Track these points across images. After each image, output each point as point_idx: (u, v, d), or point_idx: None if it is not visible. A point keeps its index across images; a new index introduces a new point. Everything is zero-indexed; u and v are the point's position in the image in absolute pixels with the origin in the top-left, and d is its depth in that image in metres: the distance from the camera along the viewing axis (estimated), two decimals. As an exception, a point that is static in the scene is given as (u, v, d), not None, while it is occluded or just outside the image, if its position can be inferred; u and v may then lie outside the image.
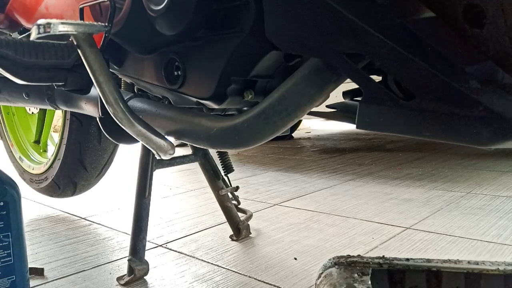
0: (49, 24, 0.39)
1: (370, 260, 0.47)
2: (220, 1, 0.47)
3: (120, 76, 0.67)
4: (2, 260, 0.67)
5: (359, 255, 0.51)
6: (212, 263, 0.84)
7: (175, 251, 0.92)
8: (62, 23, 0.40)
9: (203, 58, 0.52)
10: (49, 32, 0.39)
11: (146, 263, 0.78)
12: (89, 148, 1.07)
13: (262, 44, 0.46)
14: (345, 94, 0.62)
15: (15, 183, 0.69)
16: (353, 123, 0.56)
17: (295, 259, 0.84)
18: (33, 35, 0.40)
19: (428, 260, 0.53)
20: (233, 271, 0.80)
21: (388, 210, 1.18)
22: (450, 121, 0.35)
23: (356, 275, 0.44)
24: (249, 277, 0.77)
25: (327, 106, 0.62)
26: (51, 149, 1.37)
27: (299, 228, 1.04)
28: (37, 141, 1.37)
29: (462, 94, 0.33)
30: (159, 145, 0.54)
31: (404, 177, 1.62)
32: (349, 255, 0.50)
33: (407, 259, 0.50)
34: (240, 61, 0.49)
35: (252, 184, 1.61)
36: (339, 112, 0.60)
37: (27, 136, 1.39)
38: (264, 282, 0.75)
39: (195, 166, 1.99)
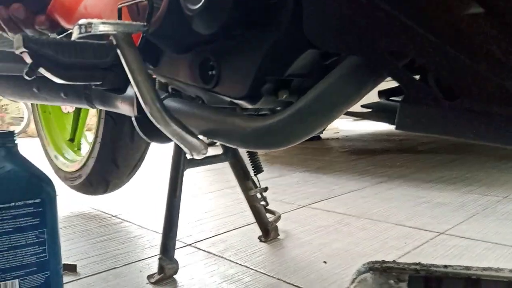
0: (90, 24, 0.39)
1: (406, 266, 0.46)
2: (257, -1, 0.46)
3: (154, 76, 0.67)
4: (37, 256, 0.68)
5: (395, 260, 0.49)
6: (240, 264, 0.84)
7: (204, 250, 0.93)
8: (103, 23, 0.40)
9: (238, 57, 0.52)
10: (90, 31, 0.40)
11: (176, 262, 0.79)
12: (122, 147, 1.09)
13: (299, 43, 0.45)
14: (381, 93, 0.60)
15: (51, 180, 0.71)
16: (391, 123, 0.55)
17: (325, 262, 0.83)
18: (75, 35, 0.41)
19: (467, 268, 0.51)
20: (262, 273, 0.80)
21: (420, 214, 1.15)
22: (499, 123, 0.33)
23: (392, 281, 0.43)
24: (278, 279, 0.77)
25: (362, 106, 0.61)
26: (85, 148, 1.41)
27: (328, 231, 1.02)
28: (72, 140, 1.41)
29: (514, 94, 0.31)
30: (193, 144, 0.54)
31: (437, 180, 1.57)
32: (384, 260, 0.48)
33: (445, 266, 0.49)
34: (275, 60, 0.48)
35: (279, 184, 1.60)
36: (375, 112, 0.58)
37: (62, 134, 1.43)
38: (294, 285, 0.74)
39: (223, 166, 1.99)
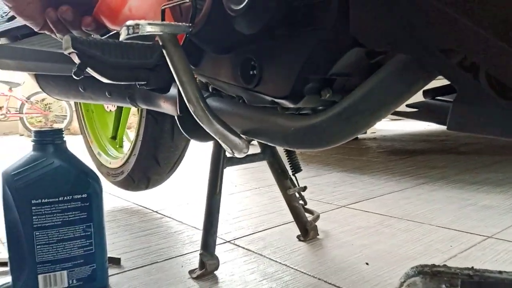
0: (137, 25, 0.40)
1: (458, 270, 0.44)
2: (302, -3, 0.46)
3: (196, 76, 0.68)
4: (84, 249, 0.71)
5: (445, 265, 0.47)
6: (280, 263, 0.84)
7: (243, 248, 0.93)
8: (150, 24, 0.41)
9: (280, 57, 0.51)
10: (137, 32, 0.41)
11: (217, 259, 0.79)
12: (162, 144, 1.11)
13: (344, 41, 0.44)
14: (426, 93, 0.58)
15: (97, 176, 0.74)
16: (440, 123, 0.53)
17: (367, 264, 0.81)
18: (123, 36, 0.42)
19: (523, 275, 0.48)
20: (302, 272, 0.79)
21: (466, 217, 1.10)
22: None
23: (443, 286, 0.41)
24: (319, 279, 0.76)
25: (408, 106, 0.59)
26: (126, 145, 1.45)
27: (369, 232, 1.00)
28: (114, 137, 1.46)
29: None
30: (235, 143, 0.54)
31: (483, 182, 1.51)
32: (434, 264, 0.47)
33: (500, 272, 0.46)
34: (319, 59, 0.48)
35: (317, 184, 1.59)
36: (422, 112, 0.56)
37: (105, 132, 1.48)
38: (335, 286, 0.73)
39: (258, 164, 1.99)
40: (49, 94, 0.94)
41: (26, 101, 5.07)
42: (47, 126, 5.27)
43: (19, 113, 5.10)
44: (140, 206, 1.33)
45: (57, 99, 0.99)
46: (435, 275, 0.43)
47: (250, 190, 1.52)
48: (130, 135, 1.50)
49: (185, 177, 1.80)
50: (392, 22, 0.37)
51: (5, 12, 0.89)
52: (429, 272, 0.44)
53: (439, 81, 0.46)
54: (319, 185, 1.57)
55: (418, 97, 0.59)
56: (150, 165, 1.16)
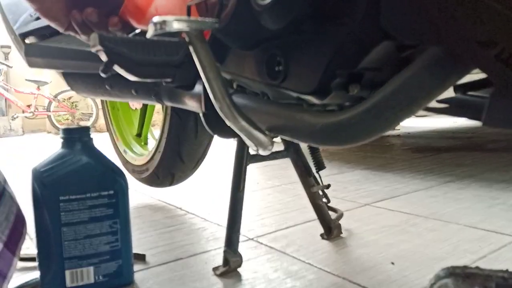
0: (164, 21, 0.40)
1: (492, 273, 0.42)
2: (330, -10, 0.45)
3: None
4: (110, 245, 0.72)
5: (478, 266, 0.46)
6: (303, 261, 0.83)
7: (266, 245, 0.93)
8: (177, 20, 0.41)
9: (307, 52, 0.50)
10: (164, 29, 0.41)
11: (240, 256, 0.79)
12: (186, 141, 1.12)
13: (374, 34, 0.43)
14: (457, 88, 0.56)
15: (123, 173, 0.74)
16: (474, 118, 0.51)
17: (392, 263, 0.80)
18: (150, 33, 0.42)
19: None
20: (326, 271, 0.78)
21: (495, 216, 1.07)
22: None
23: (477, 288, 0.40)
24: (343, 278, 0.75)
25: (438, 101, 0.57)
26: (151, 142, 1.47)
27: (394, 231, 0.98)
28: (139, 135, 1.48)
29: None
30: (260, 140, 0.54)
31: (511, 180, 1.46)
32: (466, 265, 0.45)
33: (536, 275, 0.44)
34: (347, 53, 0.47)
35: (339, 182, 1.57)
36: (453, 108, 0.54)
37: (130, 130, 1.50)
38: (360, 286, 0.72)
39: (280, 162, 1.99)
40: (76, 92, 0.96)
41: (54, 100, 5.20)
42: (74, 124, 5.40)
43: (46, 111, 5.23)
44: (164, 202, 1.35)
45: (85, 96, 1.01)
46: (467, 277, 0.42)
47: (272, 188, 1.52)
48: (154, 132, 1.52)
49: (208, 173, 1.81)
50: (427, 13, 0.36)
51: (34, 11, 0.91)
52: (461, 274, 0.42)
53: (471, 76, 0.44)
54: (342, 182, 1.55)
55: (449, 92, 0.57)
56: (174, 162, 1.17)
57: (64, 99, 5.33)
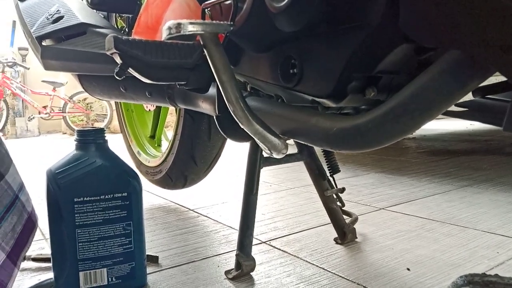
0: (179, 24, 0.40)
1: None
2: (346, -7, 0.44)
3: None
4: (124, 247, 0.72)
5: (497, 274, 0.44)
6: (317, 266, 0.82)
7: (279, 249, 0.92)
8: (191, 23, 0.41)
9: (323, 55, 0.50)
10: (179, 32, 0.41)
11: (253, 260, 0.79)
12: (199, 144, 1.11)
13: (392, 37, 0.42)
14: (476, 91, 0.55)
15: (137, 175, 0.74)
16: (492, 123, 0.49)
17: (408, 269, 0.78)
18: (164, 36, 0.42)
19: None
20: (340, 276, 0.77)
21: (514, 222, 1.04)
22: None
23: (497, 298, 0.38)
24: (358, 284, 0.74)
25: (457, 105, 0.56)
26: (164, 144, 1.47)
27: (410, 236, 0.97)
28: (152, 136, 1.48)
29: None
30: (274, 144, 0.53)
31: (532, 185, 1.43)
32: (484, 273, 0.44)
33: (560, 285, 0.43)
34: (364, 56, 0.46)
35: (354, 185, 1.55)
36: (473, 112, 0.53)
37: (144, 131, 1.51)
38: (375, 291, 0.70)
39: (293, 164, 1.98)
40: (91, 94, 0.97)
41: (69, 101, 5.27)
42: (89, 125, 5.46)
43: (62, 112, 5.31)
44: (177, 204, 1.35)
45: (99, 99, 1.02)
46: (486, 285, 0.40)
47: (285, 190, 1.51)
48: (167, 134, 1.52)
49: (221, 175, 1.81)
50: (447, 17, 0.35)
51: (50, 14, 0.92)
52: (479, 282, 0.41)
53: (490, 79, 0.43)
54: (357, 186, 1.53)
55: (467, 95, 0.56)
56: (188, 164, 1.17)
57: (79, 100, 5.39)
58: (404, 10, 0.38)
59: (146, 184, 1.44)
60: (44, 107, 5.24)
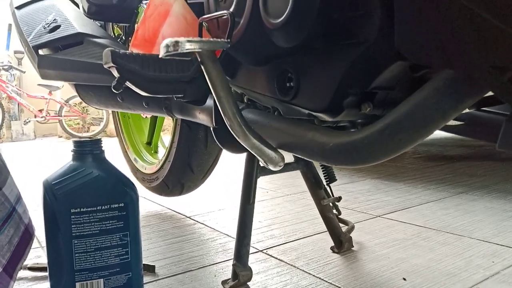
0: (177, 42, 0.40)
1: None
2: (342, 11, 0.45)
3: (231, 87, 0.68)
4: (120, 257, 0.72)
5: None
6: (314, 275, 0.82)
7: (276, 258, 0.92)
8: (189, 41, 0.41)
9: (319, 70, 0.50)
10: (177, 50, 0.41)
11: (250, 269, 0.79)
12: (196, 152, 1.12)
13: (387, 54, 0.43)
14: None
15: (134, 185, 0.75)
16: (488, 140, 0.50)
17: (404, 279, 0.79)
18: (162, 54, 0.42)
19: None
20: (337, 286, 0.77)
21: (508, 230, 1.05)
22: None
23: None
24: (354, 294, 0.74)
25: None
26: (161, 151, 1.47)
27: (406, 244, 0.97)
28: (149, 143, 1.48)
29: None
30: (270, 157, 0.54)
31: (527, 192, 1.44)
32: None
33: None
34: (360, 73, 0.46)
35: (350, 191, 1.56)
36: (468, 126, 0.54)
37: (140, 138, 1.51)
38: (371, 302, 0.71)
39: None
40: (88, 104, 0.97)
41: (65, 104, 5.26)
42: (85, 128, 5.44)
43: (58, 116, 5.29)
44: (174, 211, 1.35)
45: (96, 108, 1.02)
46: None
47: (282, 197, 1.51)
48: (164, 139, 1.52)
49: (218, 181, 1.81)
50: (442, 37, 0.36)
51: (47, 23, 0.92)
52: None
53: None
54: (353, 192, 1.54)
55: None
56: (184, 171, 1.17)
57: (75, 104, 5.38)
58: (398, 29, 0.39)
59: (143, 191, 1.43)
60: (40, 110, 5.22)
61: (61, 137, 5.48)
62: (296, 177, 1.85)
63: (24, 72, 5.17)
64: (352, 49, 0.45)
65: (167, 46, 0.41)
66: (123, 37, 1.05)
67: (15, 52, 5.35)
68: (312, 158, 0.51)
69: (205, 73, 0.47)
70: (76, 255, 0.69)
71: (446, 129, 0.55)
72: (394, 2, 0.38)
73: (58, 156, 3.06)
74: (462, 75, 0.37)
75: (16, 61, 5.43)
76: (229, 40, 0.48)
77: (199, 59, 0.46)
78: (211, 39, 0.45)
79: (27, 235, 0.69)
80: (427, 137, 0.41)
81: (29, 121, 5.32)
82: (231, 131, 0.51)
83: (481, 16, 0.32)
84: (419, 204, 1.33)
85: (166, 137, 1.36)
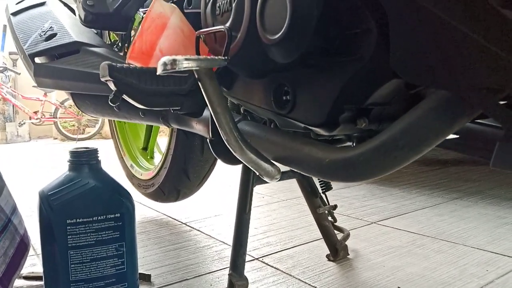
0: (174, 60, 0.41)
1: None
2: (339, 28, 0.45)
3: (228, 97, 0.68)
4: (116, 268, 0.72)
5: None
6: (310, 284, 0.82)
7: (272, 266, 0.92)
8: (186, 59, 0.41)
9: (315, 85, 0.51)
10: (174, 68, 0.41)
11: (246, 279, 0.79)
12: (192, 159, 1.12)
13: (383, 72, 0.43)
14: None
15: (130, 194, 0.75)
16: (483, 157, 0.51)
17: (399, 288, 0.79)
18: (159, 71, 0.42)
19: None
20: (332, 295, 0.78)
21: (502, 238, 1.06)
22: None
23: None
24: (350, 304, 0.74)
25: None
26: (157, 156, 1.47)
27: (401, 252, 0.98)
28: (145, 148, 1.48)
29: None
30: (267, 171, 0.54)
31: (521, 198, 1.45)
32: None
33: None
34: (356, 89, 0.47)
35: (346, 197, 1.56)
36: (462, 140, 0.54)
37: (136, 143, 1.50)
38: (366, 312, 0.71)
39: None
40: (84, 112, 0.97)
41: (60, 106, 5.23)
42: (80, 130, 5.42)
43: (53, 118, 5.27)
44: (169, 217, 1.35)
45: (92, 116, 1.01)
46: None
47: (277, 202, 1.51)
48: (160, 144, 1.52)
49: (213, 187, 1.81)
50: (435, 59, 0.36)
51: (43, 31, 0.91)
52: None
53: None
54: (348, 198, 1.54)
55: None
56: (180, 178, 1.17)
57: (71, 105, 5.36)
58: (394, 49, 0.39)
59: (138, 196, 1.43)
60: (35, 112, 5.20)
61: (56, 139, 5.45)
62: (292, 182, 1.85)
63: (19, 74, 5.14)
64: (348, 66, 0.46)
65: (165, 64, 0.41)
66: (119, 44, 1.05)
67: (10, 53, 5.33)
68: (309, 173, 0.51)
69: (202, 90, 0.47)
70: (72, 266, 0.69)
71: (441, 144, 0.56)
72: (389, 22, 0.39)
73: (53, 158, 3.04)
74: (455, 95, 0.38)
75: (11, 63, 5.40)
76: (226, 57, 0.48)
77: (196, 76, 0.46)
78: (209, 57, 0.46)
79: (23, 246, 0.69)
80: (422, 154, 0.42)
81: (24, 123, 5.29)
82: (228, 145, 0.52)
83: (470, 37, 0.33)
84: (414, 210, 1.33)
85: (163, 139, 1.36)
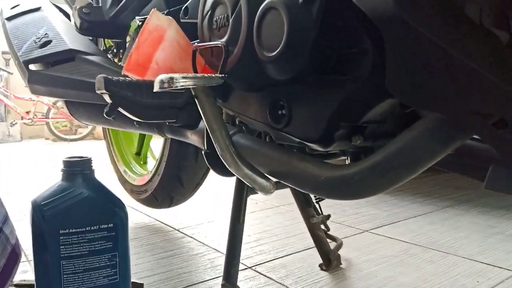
0: (172, 78, 0.41)
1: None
2: (335, 48, 0.45)
3: (223, 109, 0.68)
4: (109, 278, 0.72)
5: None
6: (302, 294, 0.83)
7: (265, 275, 0.92)
8: (183, 77, 0.41)
9: (311, 102, 0.51)
10: (171, 86, 0.41)
11: (239, 290, 0.79)
12: (186, 166, 1.12)
13: (378, 92, 0.44)
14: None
15: (123, 204, 0.74)
16: (476, 178, 0.51)
17: (391, 299, 0.80)
18: (156, 89, 0.42)
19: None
20: (325, 306, 0.78)
21: (493, 248, 1.07)
22: None
23: None
24: (342, 315, 0.75)
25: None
26: (150, 161, 1.46)
27: (393, 262, 0.98)
28: (138, 153, 1.47)
29: None
30: (262, 186, 0.54)
31: (510, 206, 1.46)
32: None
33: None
34: (351, 107, 0.47)
35: (339, 204, 1.57)
36: (456, 158, 0.55)
37: (130, 148, 1.50)
38: (359, 324, 0.71)
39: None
40: (78, 119, 0.96)
41: (53, 106, 5.20)
42: (72, 131, 5.38)
43: (45, 118, 5.23)
44: (162, 223, 1.34)
45: (86, 124, 1.01)
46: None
47: (271, 209, 1.52)
48: (153, 147, 1.52)
49: (207, 192, 1.80)
50: (429, 82, 0.37)
51: (38, 38, 0.91)
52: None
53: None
54: (341, 205, 1.55)
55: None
56: (174, 185, 1.17)
57: (63, 106, 5.33)
58: (389, 72, 0.39)
59: (131, 201, 1.43)
60: (27, 112, 5.16)
61: (48, 139, 5.41)
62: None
63: (12, 74, 5.10)
64: (344, 85, 0.46)
65: (162, 82, 0.41)
66: (114, 49, 1.05)
67: (3, 53, 5.29)
68: (304, 189, 0.52)
69: (198, 106, 0.47)
70: (64, 276, 0.68)
71: (435, 164, 0.56)
72: (385, 45, 0.39)
73: (45, 158, 3.02)
74: (449, 117, 0.38)
75: (4, 62, 5.36)
76: (223, 75, 0.48)
77: (193, 93, 0.46)
78: (206, 75, 0.46)
79: (14, 256, 0.68)
80: (416, 174, 0.42)
81: (15, 123, 5.25)
82: (223, 161, 0.52)
83: (465, 63, 0.33)
84: (406, 219, 1.34)
85: (156, 142, 1.35)
